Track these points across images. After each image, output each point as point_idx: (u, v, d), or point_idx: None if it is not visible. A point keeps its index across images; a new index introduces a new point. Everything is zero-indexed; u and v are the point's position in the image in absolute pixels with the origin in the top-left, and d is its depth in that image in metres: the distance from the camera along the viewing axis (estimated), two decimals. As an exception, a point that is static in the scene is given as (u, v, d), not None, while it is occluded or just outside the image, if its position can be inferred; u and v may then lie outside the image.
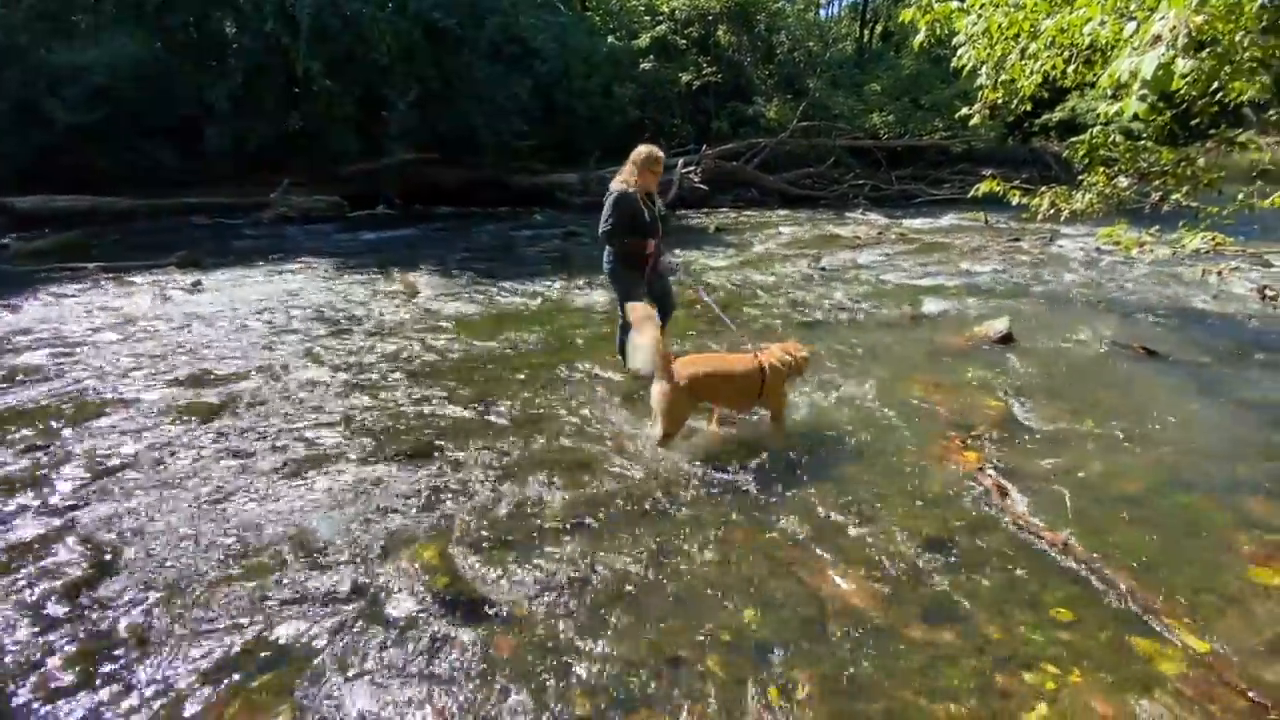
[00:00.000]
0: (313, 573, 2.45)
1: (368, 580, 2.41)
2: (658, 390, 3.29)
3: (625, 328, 4.35)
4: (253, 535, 2.68)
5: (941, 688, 1.95)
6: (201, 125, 12.24)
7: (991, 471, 3.11)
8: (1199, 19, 2.64)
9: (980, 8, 4.74)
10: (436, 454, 3.36)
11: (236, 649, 2.09)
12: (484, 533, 2.70)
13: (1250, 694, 1.89)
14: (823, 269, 7.91)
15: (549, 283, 7.15)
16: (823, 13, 27.76)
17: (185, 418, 3.75)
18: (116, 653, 2.07)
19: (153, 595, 2.32)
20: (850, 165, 16.46)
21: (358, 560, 2.53)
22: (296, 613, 2.24)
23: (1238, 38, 4.18)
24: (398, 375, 4.43)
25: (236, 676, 1.99)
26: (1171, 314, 5.90)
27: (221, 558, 2.54)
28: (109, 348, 4.88)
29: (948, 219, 12.41)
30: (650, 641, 2.12)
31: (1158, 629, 2.16)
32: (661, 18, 17.38)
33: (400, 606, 2.28)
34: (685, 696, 1.91)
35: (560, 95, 15.40)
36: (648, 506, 2.89)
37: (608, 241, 4.09)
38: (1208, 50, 4.34)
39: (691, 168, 15.01)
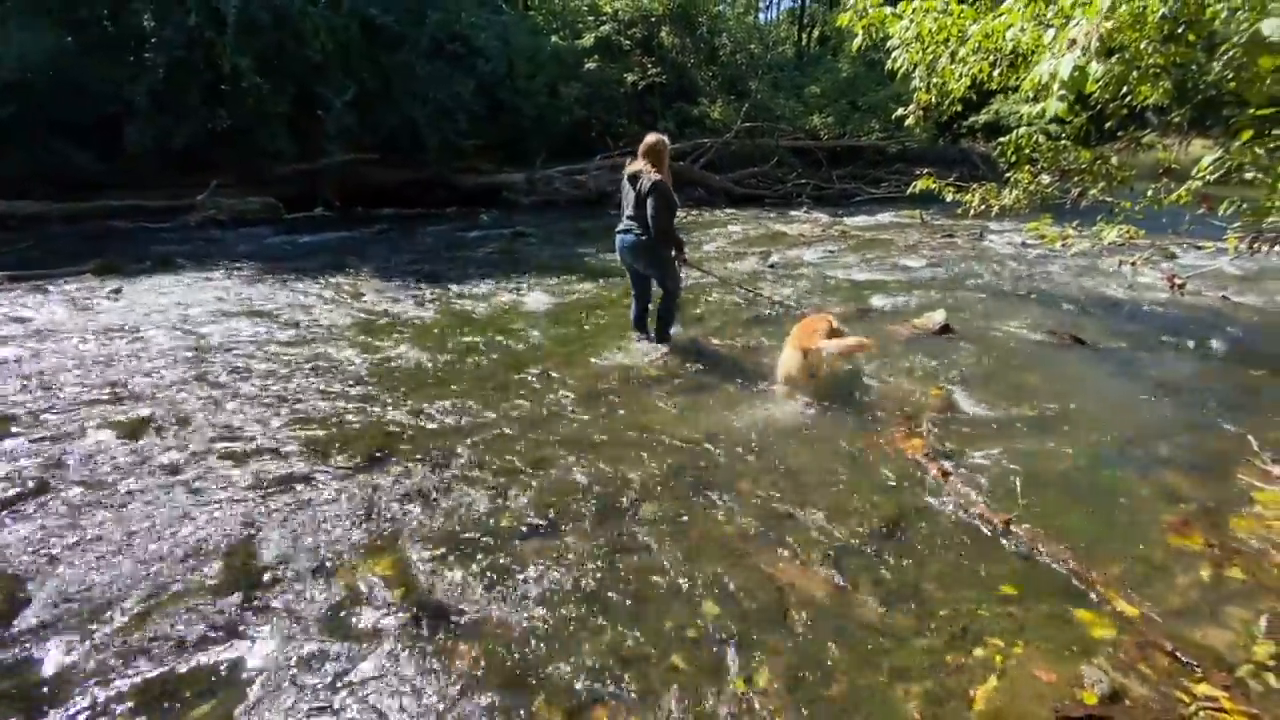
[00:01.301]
0: (255, 592, 2.32)
1: (318, 596, 2.30)
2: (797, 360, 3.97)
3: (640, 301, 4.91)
4: (186, 557, 2.52)
5: (899, 668, 2.01)
6: (120, 123, 11.45)
7: (937, 458, 3.23)
8: (1109, 24, 2.81)
9: (912, 13, 4.93)
10: (385, 462, 3.25)
11: (172, 678, 1.96)
12: (440, 540, 2.63)
13: (1176, 653, 2.03)
14: (772, 266, 8.06)
15: (498, 284, 7.02)
16: (762, 17, 28.38)
17: (107, 434, 3.49)
18: (35, 691, 1.91)
19: (74, 626, 2.15)
20: (793, 165, 16.83)
21: (305, 576, 2.41)
22: (239, 636, 2.12)
23: (1143, 45, 4.51)
24: (341, 382, 4.26)
25: (173, 707, 1.86)
26: (1093, 303, 6.29)
27: (151, 582, 2.37)
28: (20, 362, 4.51)
29: (886, 216, 12.86)
30: (614, 641, 2.11)
31: (1093, 598, 2.29)
32: (605, 18, 17.36)
33: (354, 621, 2.19)
34: (652, 694, 1.91)
35: (505, 94, 15.16)
36: (605, 506, 2.87)
37: (667, 230, 4.40)
38: (1116, 57, 4.68)
39: (639, 168, 15.04)
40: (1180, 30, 4.56)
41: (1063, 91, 2.83)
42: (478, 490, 2.99)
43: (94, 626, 2.15)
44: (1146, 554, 2.56)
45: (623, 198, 4.65)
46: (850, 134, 17.74)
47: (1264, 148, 2.96)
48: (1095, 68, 3.20)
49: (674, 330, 5.11)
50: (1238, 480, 3.08)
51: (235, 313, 5.84)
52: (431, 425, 3.66)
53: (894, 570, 2.46)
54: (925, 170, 8.88)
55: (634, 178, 4.48)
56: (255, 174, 12.24)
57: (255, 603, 2.27)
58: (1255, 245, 3.53)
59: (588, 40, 17.07)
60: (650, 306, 5.01)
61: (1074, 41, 2.83)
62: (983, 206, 5.71)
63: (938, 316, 5.41)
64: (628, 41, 17.46)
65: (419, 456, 3.30)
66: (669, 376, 4.40)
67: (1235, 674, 1.97)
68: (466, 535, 2.67)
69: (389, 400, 3.98)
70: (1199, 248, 8.41)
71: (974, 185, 5.89)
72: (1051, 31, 3.58)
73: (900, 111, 6.06)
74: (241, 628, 2.16)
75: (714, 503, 2.91)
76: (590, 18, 17.55)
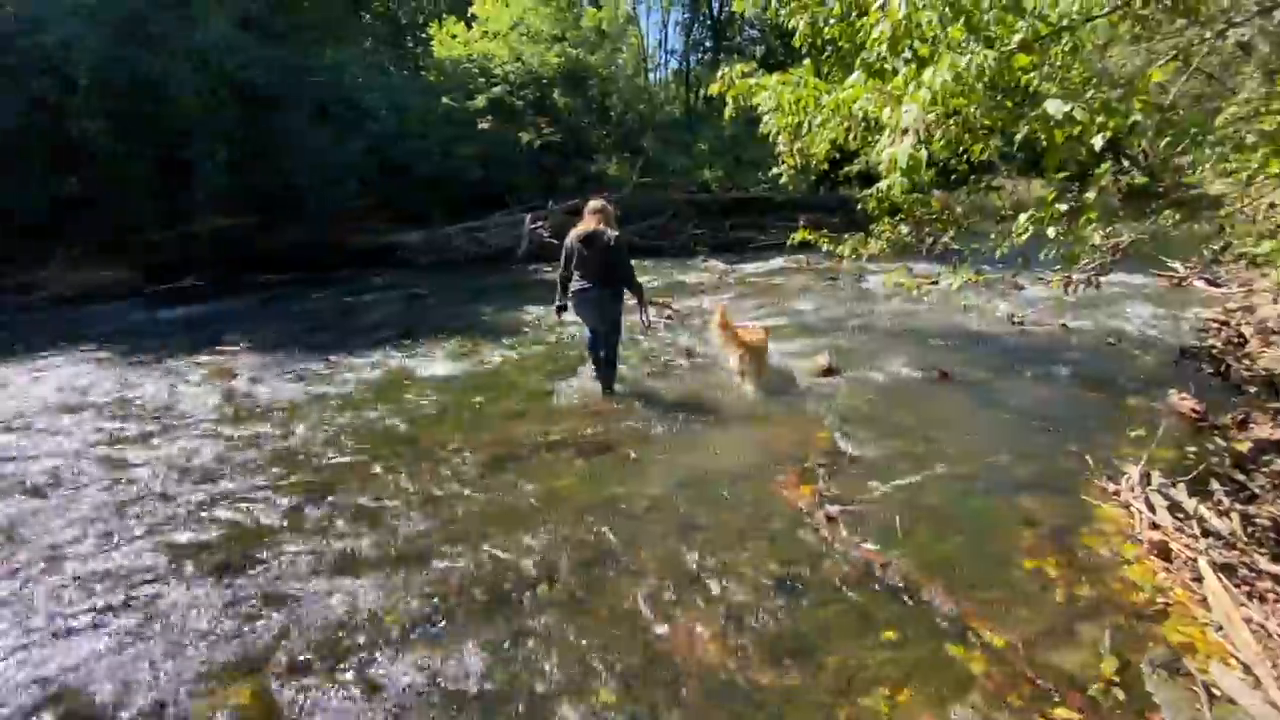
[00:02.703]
0: (80, 748, 2.00)
1: (157, 743, 2.01)
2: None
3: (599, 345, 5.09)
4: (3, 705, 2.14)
5: (792, 732, 2.01)
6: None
7: (824, 503, 3.36)
8: (931, 116, 3.18)
9: (772, 86, 5.36)
10: (253, 565, 2.95)
11: None
12: (311, 653, 2.39)
13: (1038, 681, 2.17)
14: (669, 317, 8.26)
15: (391, 352, 6.73)
16: (652, 77, 29.96)
17: (-100, 568, 2.96)
18: None
19: None
20: (689, 216, 17.64)
21: (151, 714, 2.11)
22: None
23: (972, 110, 5.16)
24: (205, 476, 3.88)
25: None
26: (956, 337, 6.90)
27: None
28: None
29: (777, 262, 13.63)
30: (503, 747, 1.98)
31: (965, 632, 2.42)
32: (496, 80, 17.68)
33: (200, 769, 1.92)
34: (542, 804, 1.79)
35: (396, 154, 14.94)
36: (500, 592, 2.74)
37: (634, 277, 4.87)
38: (952, 119, 5.31)
39: (540, 222, 15.22)
40: (1000, 98, 5.28)
41: (902, 178, 3.14)
42: (359, 589, 2.77)
43: None
44: (1010, 579, 2.76)
45: (573, 257, 4.78)
46: (739, 186, 18.86)
47: (1064, 204, 3.44)
48: (924, 152, 3.55)
49: (576, 384, 5.38)
50: (1082, 499, 3.41)
51: (78, 404, 5.21)
52: (306, 518, 3.38)
53: (786, 625, 2.49)
54: (805, 219, 9.54)
55: (592, 237, 4.70)
56: (112, 244, 11.24)
57: (78, 762, 1.95)
58: (1070, 286, 4.05)
59: (480, 101, 17.27)
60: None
61: (907, 130, 3.17)
62: (853, 255, 6.18)
63: (822, 359, 5.73)
64: (520, 102, 17.83)
65: (293, 555, 3.03)
66: (571, 440, 4.34)
67: (1087, 693, 2.13)
68: (343, 643, 2.45)
69: (258, 493, 3.66)
70: (1040, 278, 9.58)
71: (845, 236, 6.37)
72: (888, 110, 3.96)
73: (774, 170, 6.50)
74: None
75: (612, 574, 2.85)
76: (482, 79, 17.81)
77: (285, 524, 3.33)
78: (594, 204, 4.95)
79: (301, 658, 2.38)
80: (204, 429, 4.66)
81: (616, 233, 4.79)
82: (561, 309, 4.95)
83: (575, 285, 4.82)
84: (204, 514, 3.44)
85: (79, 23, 10.58)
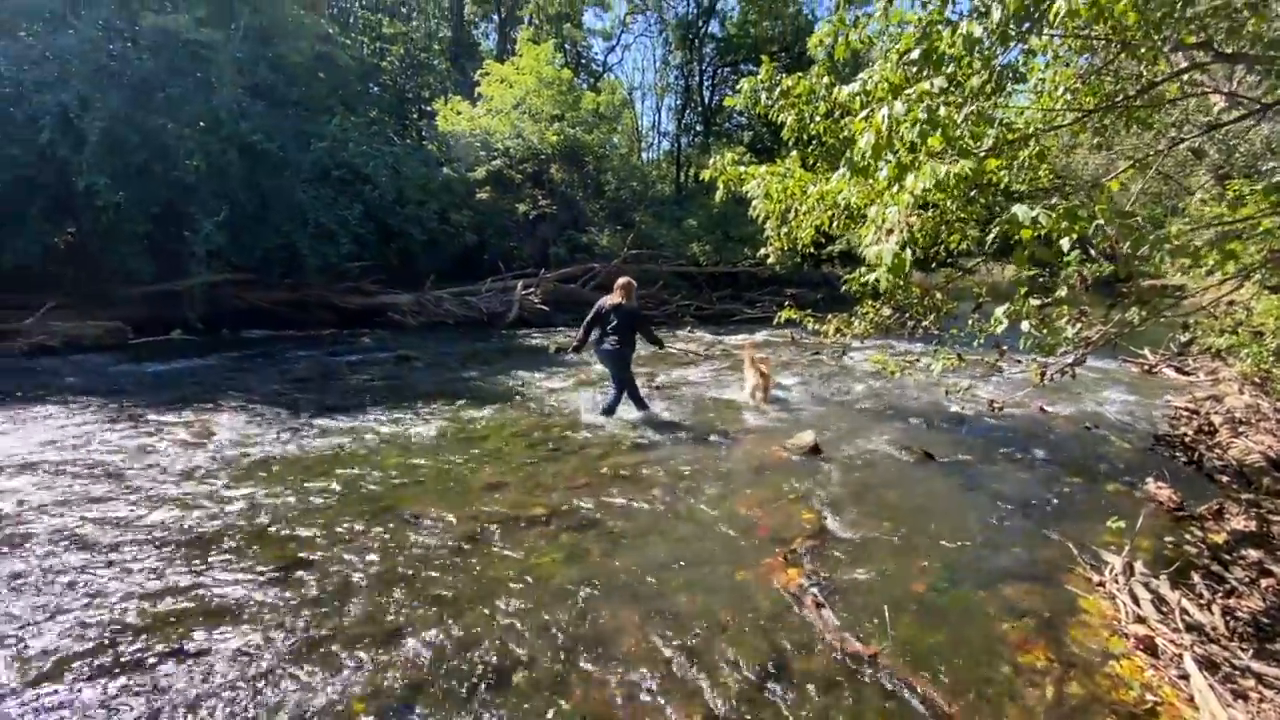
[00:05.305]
0: None
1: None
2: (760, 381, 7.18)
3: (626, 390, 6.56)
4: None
5: (778, 842, 1.92)
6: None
7: (811, 589, 3.32)
8: (914, 220, 3.40)
9: (760, 176, 5.68)
10: (214, 645, 2.82)
11: None
12: (272, 743, 2.26)
13: (1029, 787, 2.11)
14: (656, 388, 8.33)
15: (377, 415, 6.68)
16: (644, 156, 31.44)
17: None
18: None
19: None
20: (677, 287, 18.10)
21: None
22: None
23: (949, 204, 5.48)
24: (172, 544, 3.74)
25: None
26: (939, 418, 7.01)
27: None
28: None
29: (762, 335, 13.91)
30: None
31: (955, 732, 2.36)
32: (497, 154, 18.46)
33: None
34: None
35: (394, 220, 15.35)
36: (472, 680, 2.64)
37: (658, 338, 6.78)
38: (931, 211, 5.62)
39: (531, 289, 15.51)
40: (973, 193, 5.62)
41: (889, 275, 3.31)
42: (315, 675, 2.65)
43: None
44: (997, 675, 2.71)
45: (601, 320, 6.32)
46: (725, 260, 19.49)
47: (1037, 299, 3.62)
48: (909, 253, 3.76)
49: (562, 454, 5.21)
50: (1066, 589, 3.41)
51: (51, 461, 5.06)
52: (280, 591, 3.26)
53: (774, 718, 2.41)
54: (790, 295, 9.77)
55: (622, 307, 6.25)
56: (102, 295, 11.24)
57: None
58: (1045, 375, 4.20)
59: (480, 173, 17.93)
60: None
61: (891, 230, 3.38)
62: (837, 335, 6.36)
63: (808, 437, 5.77)
64: (519, 175, 18.54)
65: (258, 633, 2.90)
66: (554, 513, 4.28)
67: (1081, 802, 2.07)
68: (307, 732, 2.32)
69: (232, 563, 3.53)
70: (1018, 360, 9.86)
71: (829, 316, 6.58)
72: (874, 208, 4.19)
73: (762, 251, 6.78)
74: None
75: (593, 661, 2.76)
76: (482, 152, 18.57)
77: (248, 600, 3.19)
78: (622, 281, 6.42)
79: (261, 747, 2.25)
80: (171, 491, 4.53)
81: (632, 305, 6.34)
82: (577, 349, 6.54)
83: (604, 342, 6.27)
84: (159, 586, 3.29)
85: (100, 82, 11.03)
